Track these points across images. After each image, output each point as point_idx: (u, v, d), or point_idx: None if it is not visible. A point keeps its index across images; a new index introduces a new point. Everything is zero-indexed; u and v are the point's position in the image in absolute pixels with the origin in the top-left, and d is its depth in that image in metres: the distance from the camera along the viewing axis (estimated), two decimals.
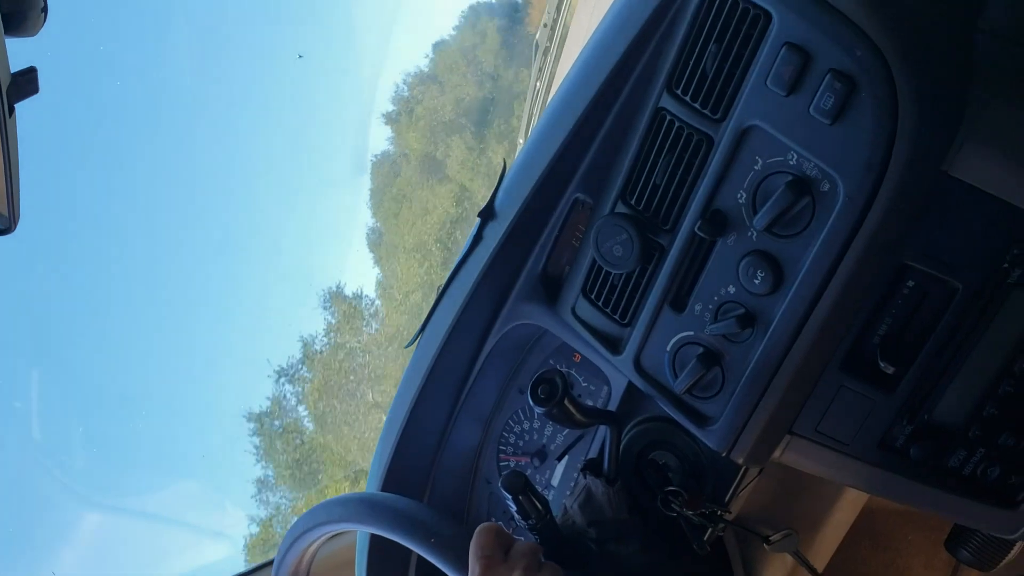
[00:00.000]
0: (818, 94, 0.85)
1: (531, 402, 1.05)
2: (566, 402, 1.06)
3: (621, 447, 1.24)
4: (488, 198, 1.25)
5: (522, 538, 1.06)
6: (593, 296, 1.16)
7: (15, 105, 0.90)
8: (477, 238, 1.25)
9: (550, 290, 1.25)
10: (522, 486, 1.09)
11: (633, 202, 1.08)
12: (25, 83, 0.89)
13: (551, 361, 1.41)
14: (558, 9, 4.08)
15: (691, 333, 1.05)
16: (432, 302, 1.36)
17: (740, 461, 1.04)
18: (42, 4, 0.94)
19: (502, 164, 1.28)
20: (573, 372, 1.39)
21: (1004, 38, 0.88)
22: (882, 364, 0.95)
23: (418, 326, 1.38)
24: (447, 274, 1.32)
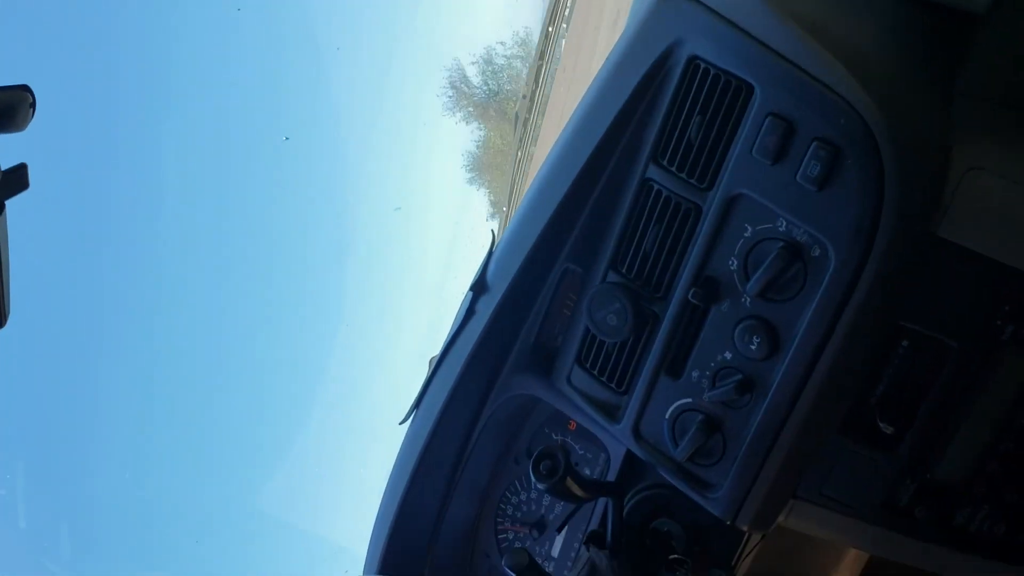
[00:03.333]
0: (804, 162, 0.87)
1: (533, 479, 1.04)
2: (568, 478, 1.04)
3: (625, 513, 1.22)
4: (479, 271, 1.26)
5: None
6: (588, 365, 1.15)
7: (5, 202, 0.90)
8: (469, 312, 1.25)
9: (544, 360, 1.24)
10: (526, 565, 1.07)
11: (624, 271, 1.08)
12: (15, 180, 0.89)
13: (546, 430, 1.39)
14: (536, 80, 4.16)
15: (690, 400, 1.04)
16: (426, 376, 1.35)
17: (745, 528, 1.03)
18: (31, 100, 0.95)
19: (491, 236, 1.29)
20: (569, 440, 1.37)
21: (983, 99, 0.91)
22: (882, 425, 0.95)
23: None
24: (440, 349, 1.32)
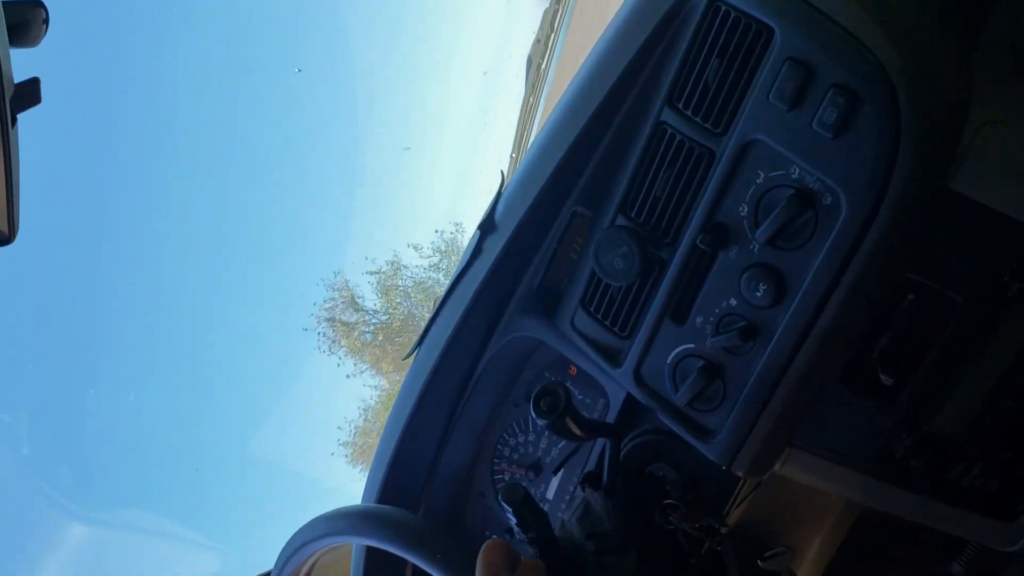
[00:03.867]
0: (821, 109, 0.86)
1: (533, 414, 1.05)
2: (568, 415, 1.05)
3: (621, 456, 1.24)
4: (487, 210, 1.25)
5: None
6: (592, 308, 1.16)
7: (18, 115, 0.90)
8: (476, 251, 1.25)
9: (548, 303, 1.25)
10: (522, 498, 1.08)
11: (633, 215, 1.08)
12: (28, 93, 0.89)
13: (547, 374, 1.40)
14: (551, 25, 4.09)
15: (692, 346, 1.05)
16: (431, 314, 1.36)
17: (741, 473, 1.04)
18: (44, 16, 0.95)
19: (500, 176, 1.28)
20: (569, 385, 1.38)
21: (1005, 52, 0.90)
22: (882, 376, 0.95)
23: None
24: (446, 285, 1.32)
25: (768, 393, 0.98)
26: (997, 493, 0.98)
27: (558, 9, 3.92)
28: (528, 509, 1.09)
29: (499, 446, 1.48)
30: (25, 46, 0.94)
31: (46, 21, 0.96)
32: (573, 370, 1.37)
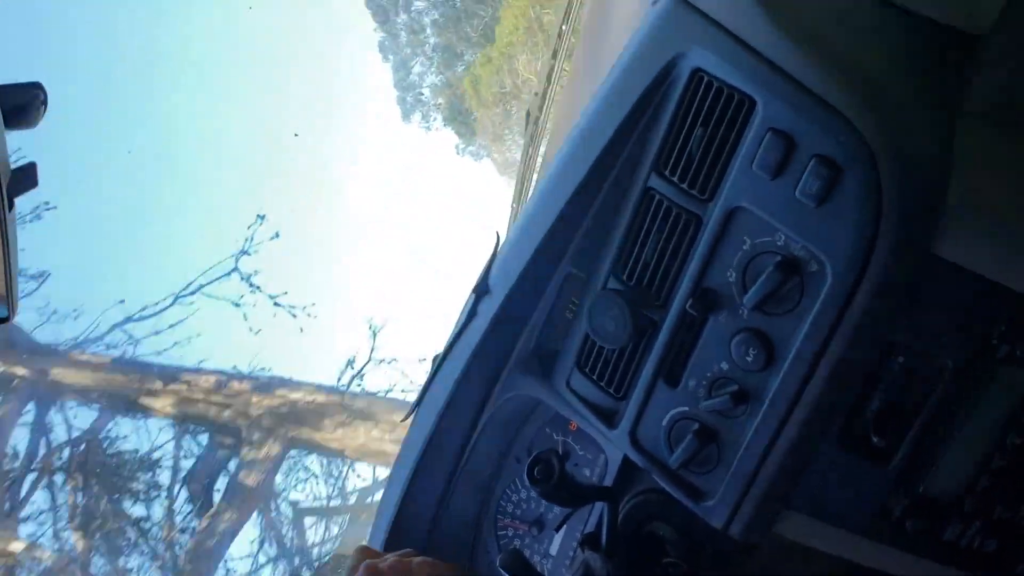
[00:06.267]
0: (803, 178, 0.88)
1: (527, 483, 1.05)
2: (562, 483, 1.06)
3: (619, 519, 1.23)
4: (482, 273, 1.27)
5: None
6: (587, 370, 1.16)
7: (15, 199, 0.91)
8: (471, 314, 1.26)
9: (545, 363, 1.26)
10: (519, 565, 1.08)
11: (625, 277, 1.09)
12: (25, 177, 0.90)
13: (547, 430, 1.41)
14: (548, 79, 4.15)
15: (686, 408, 1.05)
16: (428, 375, 1.37)
17: (737, 536, 1.04)
18: (42, 97, 0.96)
19: (495, 238, 1.30)
20: (569, 440, 1.39)
21: (985, 118, 0.91)
22: (875, 439, 0.96)
23: None
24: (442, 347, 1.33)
25: (762, 457, 0.99)
26: (995, 553, 0.98)
27: (554, 64, 3.99)
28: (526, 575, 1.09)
29: (502, 502, 1.48)
30: (23, 128, 0.96)
31: (44, 102, 0.97)
32: (573, 426, 1.37)
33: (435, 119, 21.38)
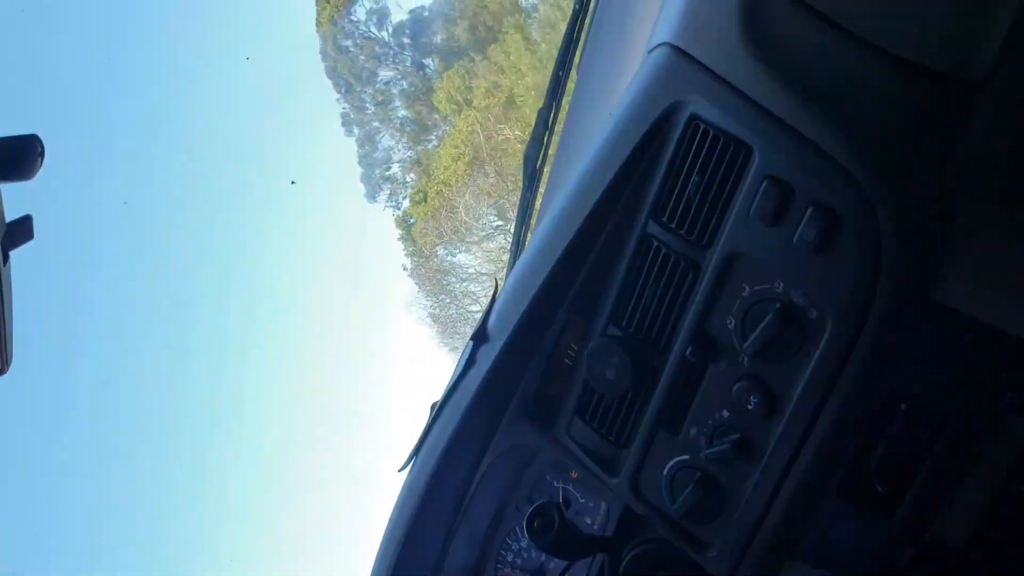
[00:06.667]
0: (801, 226, 0.87)
1: (527, 535, 1.04)
2: (562, 537, 1.04)
3: (621, 569, 1.22)
4: (480, 320, 1.26)
5: None
6: (588, 418, 1.15)
7: (9, 253, 0.90)
8: (470, 361, 1.25)
9: (544, 410, 1.24)
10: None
11: (624, 324, 1.09)
12: (20, 231, 0.89)
13: (548, 477, 1.39)
14: (545, 123, 4.18)
15: (687, 457, 1.04)
16: (426, 423, 1.35)
17: None
18: (39, 149, 0.95)
19: (494, 285, 1.29)
20: (570, 488, 1.37)
21: (981, 165, 0.91)
22: (880, 488, 0.94)
23: None
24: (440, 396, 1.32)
25: (764, 507, 0.97)
26: None
27: (552, 106, 4.02)
28: None
29: (502, 551, 1.46)
30: (19, 180, 0.95)
31: (41, 154, 0.96)
32: (575, 473, 1.36)
33: (404, 197, 19.47)
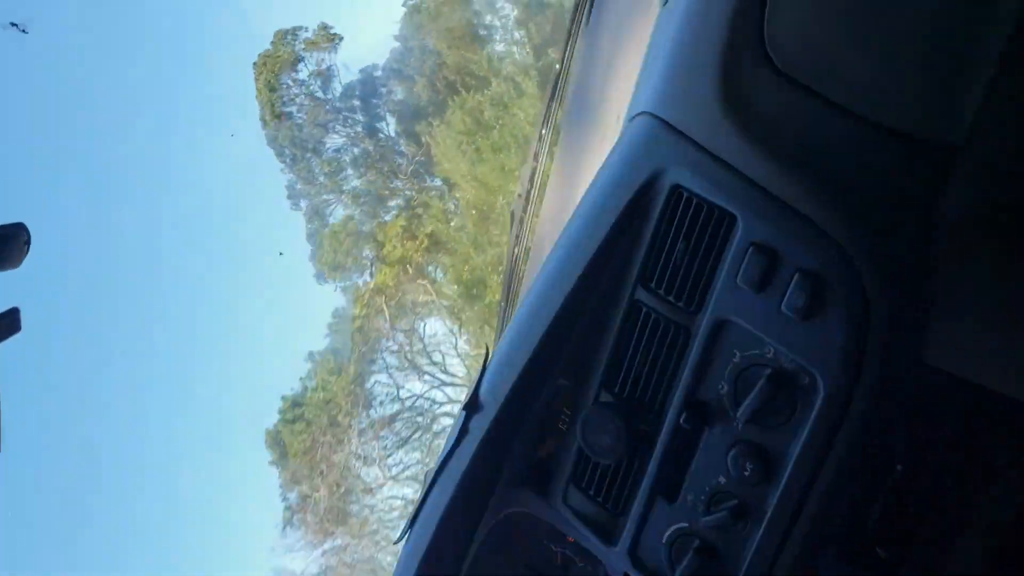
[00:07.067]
0: (788, 292, 0.88)
1: None
2: None
3: None
4: (471, 389, 1.26)
5: None
6: (583, 485, 1.14)
7: None
8: (463, 431, 1.24)
9: (540, 477, 1.23)
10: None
11: (616, 390, 1.08)
12: (8, 323, 0.89)
13: (546, 542, 1.37)
14: (531, 180, 4.24)
15: (686, 524, 1.03)
16: (420, 494, 1.34)
17: None
18: (26, 237, 0.95)
19: (485, 352, 1.29)
20: (568, 552, 1.35)
21: (965, 226, 0.92)
22: (879, 550, 0.93)
23: None
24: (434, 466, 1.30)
25: (766, 573, 0.96)
26: None
27: (536, 167, 4.08)
28: None
29: None
30: (4, 269, 0.94)
31: (27, 242, 0.96)
32: (571, 538, 1.34)
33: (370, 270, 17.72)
